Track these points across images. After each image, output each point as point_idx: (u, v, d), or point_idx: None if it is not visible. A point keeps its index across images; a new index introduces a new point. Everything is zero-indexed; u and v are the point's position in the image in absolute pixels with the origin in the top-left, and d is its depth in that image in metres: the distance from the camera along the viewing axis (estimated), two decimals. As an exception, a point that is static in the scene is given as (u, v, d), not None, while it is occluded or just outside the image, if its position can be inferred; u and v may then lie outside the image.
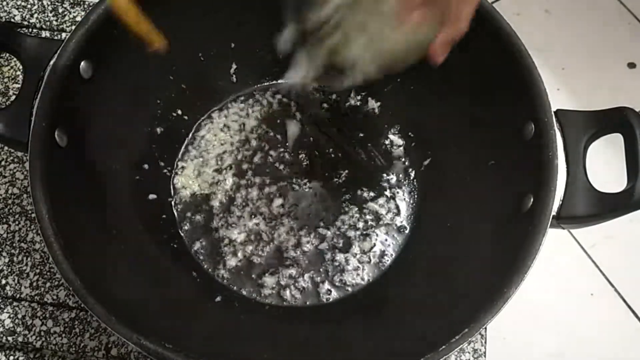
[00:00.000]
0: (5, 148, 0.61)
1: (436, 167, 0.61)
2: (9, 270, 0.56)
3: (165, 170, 0.61)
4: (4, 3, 0.67)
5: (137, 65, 0.54)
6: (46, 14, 0.66)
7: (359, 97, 0.65)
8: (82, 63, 0.47)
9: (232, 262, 0.58)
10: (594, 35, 1.09)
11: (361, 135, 0.64)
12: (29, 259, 0.57)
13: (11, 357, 0.54)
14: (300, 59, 0.49)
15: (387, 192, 0.61)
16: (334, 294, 0.57)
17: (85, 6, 0.67)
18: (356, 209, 0.60)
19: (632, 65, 1.07)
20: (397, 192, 0.62)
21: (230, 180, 0.61)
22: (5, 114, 0.45)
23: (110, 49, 0.50)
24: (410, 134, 0.64)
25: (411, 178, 0.62)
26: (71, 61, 0.46)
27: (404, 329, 0.49)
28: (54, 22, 0.66)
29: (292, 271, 0.58)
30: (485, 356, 0.55)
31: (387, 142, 0.64)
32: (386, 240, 0.59)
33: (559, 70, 1.05)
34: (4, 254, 0.57)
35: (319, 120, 0.64)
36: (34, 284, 0.56)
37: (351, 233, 0.59)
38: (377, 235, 0.59)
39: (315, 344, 0.51)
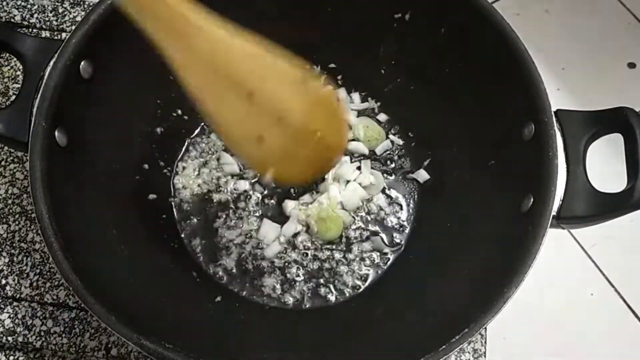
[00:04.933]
0: (5, 148, 0.61)
1: (436, 167, 0.61)
2: (9, 270, 0.56)
3: (165, 170, 0.61)
4: (4, 3, 0.67)
5: (137, 65, 0.54)
6: (46, 14, 0.66)
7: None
8: (82, 63, 0.47)
9: (232, 262, 0.58)
10: (594, 35, 1.09)
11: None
12: (29, 259, 0.57)
13: (11, 357, 0.54)
14: None
15: (387, 192, 0.61)
16: (334, 295, 0.57)
17: (85, 6, 0.67)
18: (356, 209, 0.60)
19: (632, 65, 1.07)
20: (397, 192, 0.62)
21: (231, 181, 0.61)
22: (5, 114, 0.45)
23: (110, 49, 0.50)
24: (410, 134, 0.64)
25: (411, 178, 0.62)
26: (71, 61, 0.46)
27: (404, 329, 0.49)
28: (54, 22, 0.66)
29: (292, 272, 0.58)
30: (485, 356, 0.55)
31: (387, 142, 0.64)
32: (386, 240, 0.59)
33: (559, 70, 1.05)
34: (4, 254, 0.57)
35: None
36: (34, 284, 0.56)
37: (351, 234, 0.59)
38: (377, 235, 0.59)
39: (316, 344, 0.51)
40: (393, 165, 0.63)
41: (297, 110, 0.43)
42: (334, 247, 0.59)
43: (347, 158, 0.62)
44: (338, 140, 0.49)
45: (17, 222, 0.58)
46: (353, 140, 0.63)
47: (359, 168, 0.62)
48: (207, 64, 0.39)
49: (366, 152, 0.63)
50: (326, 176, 0.61)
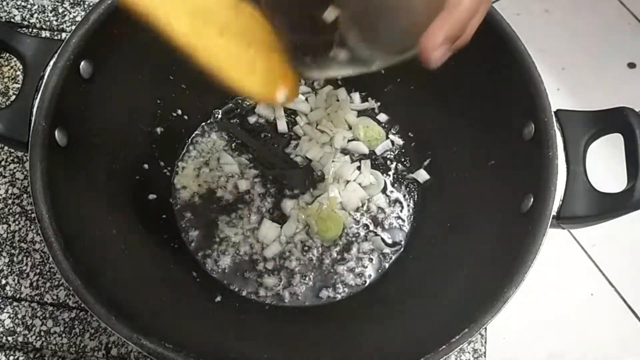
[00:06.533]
0: (5, 148, 0.61)
1: (436, 167, 0.61)
2: (9, 270, 0.56)
3: (165, 170, 0.61)
4: (4, 3, 0.67)
5: (138, 65, 0.54)
6: (46, 14, 0.66)
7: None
8: (82, 63, 0.47)
9: (232, 262, 0.58)
10: (594, 35, 1.09)
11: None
12: (29, 259, 0.57)
13: (11, 357, 0.54)
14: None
15: (387, 193, 0.61)
16: (334, 294, 0.57)
17: (85, 6, 0.67)
18: (356, 209, 0.60)
19: (632, 65, 1.07)
20: (397, 193, 0.62)
21: (231, 180, 0.61)
22: (5, 114, 0.45)
23: (110, 49, 0.50)
24: (410, 134, 0.64)
25: (411, 178, 0.62)
26: (71, 61, 0.46)
27: (404, 329, 0.49)
28: (54, 22, 0.66)
29: (292, 272, 0.58)
30: (485, 356, 0.55)
31: (387, 142, 0.64)
32: (386, 240, 0.59)
33: (559, 70, 1.05)
34: (4, 254, 0.57)
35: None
36: (34, 284, 0.56)
37: (351, 234, 0.59)
38: (377, 235, 0.59)
39: (315, 344, 0.51)
40: (393, 165, 0.63)
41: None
42: (333, 247, 0.59)
43: (347, 158, 0.62)
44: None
45: (17, 222, 0.58)
46: (353, 140, 0.63)
47: (359, 168, 0.62)
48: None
49: (366, 152, 0.63)
50: (326, 176, 0.61)
